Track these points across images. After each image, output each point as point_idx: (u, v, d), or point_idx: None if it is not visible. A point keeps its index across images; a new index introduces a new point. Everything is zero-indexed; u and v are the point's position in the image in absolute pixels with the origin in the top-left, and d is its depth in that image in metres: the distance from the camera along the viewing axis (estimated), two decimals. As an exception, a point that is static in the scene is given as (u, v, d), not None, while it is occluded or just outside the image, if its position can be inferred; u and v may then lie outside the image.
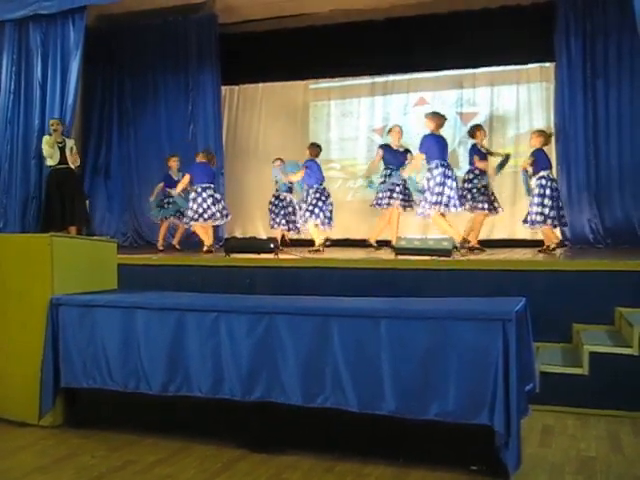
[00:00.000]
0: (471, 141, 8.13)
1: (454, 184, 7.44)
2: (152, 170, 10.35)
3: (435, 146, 7.50)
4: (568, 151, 8.59)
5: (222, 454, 3.89)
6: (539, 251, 7.47)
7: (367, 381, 3.63)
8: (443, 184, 7.36)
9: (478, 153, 7.85)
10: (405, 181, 8.29)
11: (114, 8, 9.32)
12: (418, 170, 8.11)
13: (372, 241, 8.42)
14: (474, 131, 8.07)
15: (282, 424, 3.94)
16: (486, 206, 7.80)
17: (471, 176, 7.90)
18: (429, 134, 7.62)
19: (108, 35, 10.52)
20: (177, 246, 9.17)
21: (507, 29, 8.94)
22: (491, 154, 8.01)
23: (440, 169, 7.41)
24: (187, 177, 8.52)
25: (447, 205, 7.39)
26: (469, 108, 9.85)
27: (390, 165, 8.42)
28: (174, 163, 9.25)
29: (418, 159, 7.77)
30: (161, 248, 9.04)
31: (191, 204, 8.33)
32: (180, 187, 8.64)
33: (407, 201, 8.32)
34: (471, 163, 7.94)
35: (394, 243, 7.72)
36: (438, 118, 7.70)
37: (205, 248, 8.30)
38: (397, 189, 8.27)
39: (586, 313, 5.46)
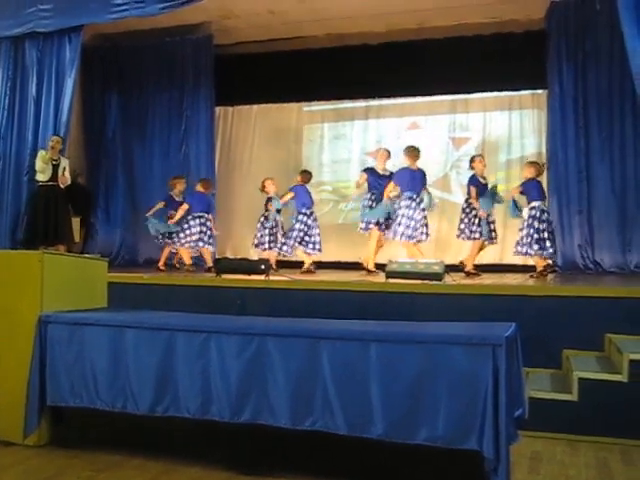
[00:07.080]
0: (469, 170, 8.18)
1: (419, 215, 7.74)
2: (144, 188, 10.37)
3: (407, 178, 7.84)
4: (559, 177, 8.66)
5: (209, 477, 3.83)
6: (530, 276, 7.50)
7: (356, 404, 3.60)
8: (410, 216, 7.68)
9: (477, 185, 7.89)
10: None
11: (111, 27, 9.38)
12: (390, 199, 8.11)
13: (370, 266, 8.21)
14: (473, 162, 8.07)
15: (271, 447, 3.91)
16: (484, 234, 7.76)
17: (465, 205, 8.02)
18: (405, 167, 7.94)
19: (104, 54, 10.59)
20: (162, 267, 9.09)
21: (500, 56, 9.07)
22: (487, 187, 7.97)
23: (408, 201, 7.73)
24: (185, 207, 8.83)
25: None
26: (462, 133, 9.95)
27: (374, 190, 8.31)
28: (180, 185, 9.21)
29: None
30: (162, 268, 9.06)
31: (184, 229, 8.79)
32: (178, 216, 8.85)
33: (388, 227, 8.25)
34: (469, 194, 8.00)
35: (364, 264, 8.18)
36: (415, 152, 7.97)
37: (185, 267, 8.80)
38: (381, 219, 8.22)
39: (576, 339, 5.45)
